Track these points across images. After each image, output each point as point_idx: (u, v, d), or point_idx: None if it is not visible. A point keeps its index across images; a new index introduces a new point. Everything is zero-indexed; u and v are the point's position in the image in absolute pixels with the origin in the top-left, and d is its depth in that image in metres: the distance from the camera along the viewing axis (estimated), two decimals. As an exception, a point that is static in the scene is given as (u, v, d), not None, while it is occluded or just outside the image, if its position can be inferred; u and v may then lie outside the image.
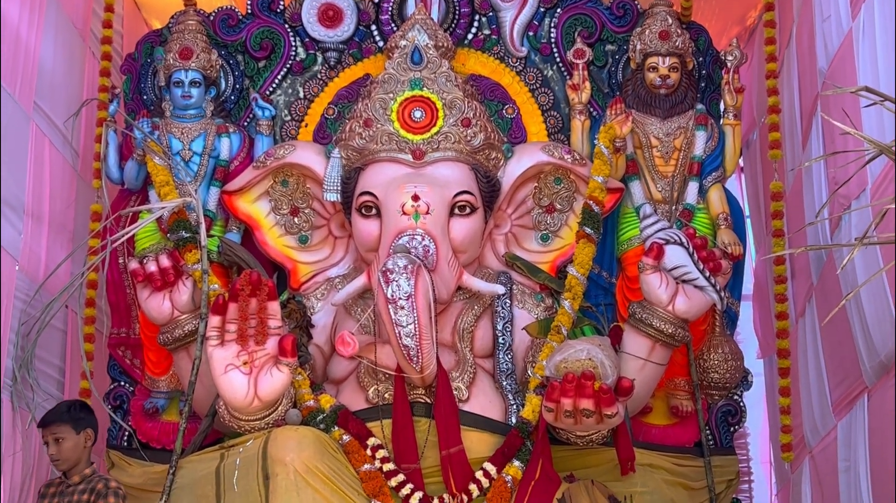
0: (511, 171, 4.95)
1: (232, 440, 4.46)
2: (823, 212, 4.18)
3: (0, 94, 4.38)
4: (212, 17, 5.34)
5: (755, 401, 5.40)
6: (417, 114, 4.89)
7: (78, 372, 5.00)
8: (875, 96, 3.09)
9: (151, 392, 5.01)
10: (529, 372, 4.70)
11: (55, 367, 4.93)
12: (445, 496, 4.38)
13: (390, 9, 5.32)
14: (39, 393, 4.58)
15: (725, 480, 4.92)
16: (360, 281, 4.77)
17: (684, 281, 4.63)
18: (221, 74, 5.26)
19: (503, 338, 4.80)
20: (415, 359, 4.35)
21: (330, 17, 5.28)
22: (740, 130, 5.15)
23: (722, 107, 5.16)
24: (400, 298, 4.31)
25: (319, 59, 5.35)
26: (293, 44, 5.34)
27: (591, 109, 5.19)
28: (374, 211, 4.74)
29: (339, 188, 4.85)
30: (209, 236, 4.80)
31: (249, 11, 5.36)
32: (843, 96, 3.88)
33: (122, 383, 5.09)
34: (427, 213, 4.62)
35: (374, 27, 5.33)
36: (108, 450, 4.97)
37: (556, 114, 5.25)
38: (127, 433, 4.96)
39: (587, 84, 5.15)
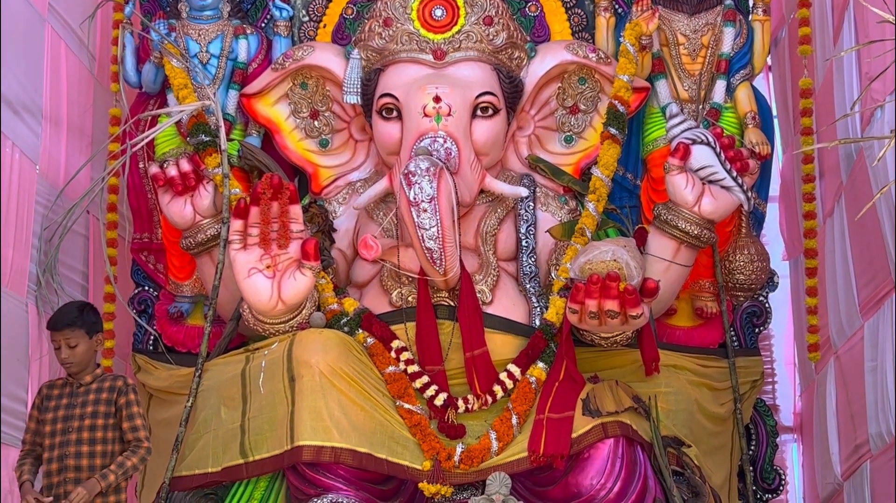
0: (534, 71, 4.85)
1: (257, 343, 4.49)
2: (856, 106, 4.08)
3: None
4: (226, -85, 5.21)
5: (780, 303, 5.37)
6: (438, 12, 4.79)
7: (101, 276, 5.03)
8: (914, -17, 2.98)
9: (175, 296, 5.03)
10: (553, 274, 4.68)
11: (78, 272, 4.95)
12: (470, 397, 4.40)
13: None
14: (64, 297, 4.60)
15: (750, 381, 4.92)
16: (381, 184, 4.73)
17: (711, 181, 4.56)
18: (237, -27, 5.16)
19: (526, 241, 4.77)
20: (438, 261, 4.33)
21: (346, -88, 5.15)
22: (769, 26, 5.03)
23: (751, 2, 5.03)
24: (423, 201, 4.27)
25: (337, -43, 5.23)
26: (310, -60, 5.22)
27: (617, 6, 5.06)
28: (394, 113, 4.67)
29: (359, 90, 4.79)
30: (229, 140, 4.75)
31: None
32: (879, -15, 3.76)
33: (146, 288, 5.10)
34: (449, 114, 4.55)
35: (392, -78, 5.19)
36: (134, 354, 5.01)
37: (580, 11, 5.12)
38: (152, 337, 5.00)
39: (612, -21, 5.03)
